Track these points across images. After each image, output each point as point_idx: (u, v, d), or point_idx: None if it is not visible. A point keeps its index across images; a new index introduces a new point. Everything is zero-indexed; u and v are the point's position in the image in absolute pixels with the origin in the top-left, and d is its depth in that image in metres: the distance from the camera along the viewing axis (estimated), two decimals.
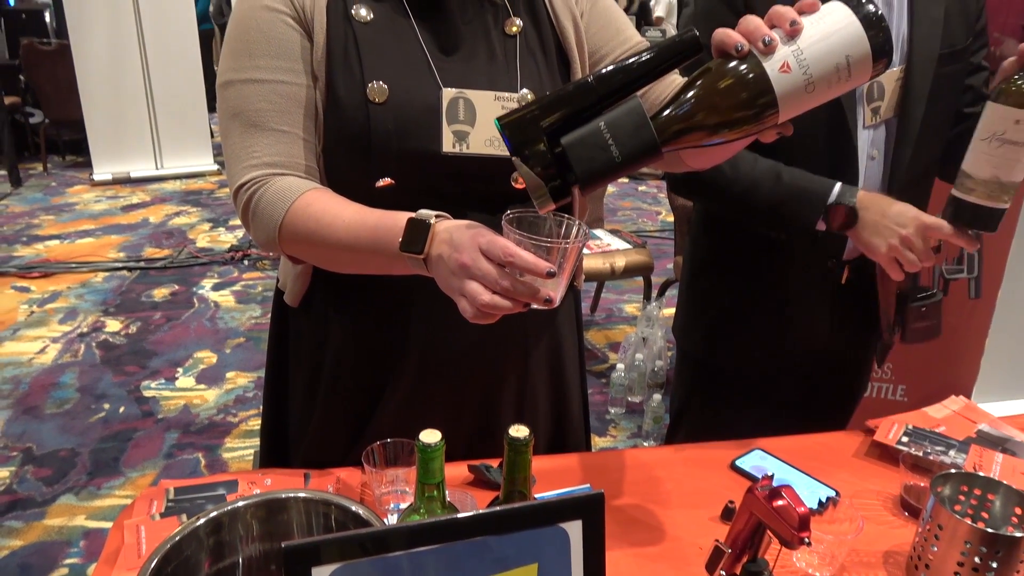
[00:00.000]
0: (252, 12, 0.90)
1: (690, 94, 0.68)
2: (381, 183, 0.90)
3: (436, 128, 0.91)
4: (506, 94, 0.94)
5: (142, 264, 4.18)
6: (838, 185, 1.12)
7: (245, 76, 0.89)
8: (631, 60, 0.69)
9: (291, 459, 1.11)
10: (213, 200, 5.41)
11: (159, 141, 5.83)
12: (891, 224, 1.07)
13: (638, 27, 7.95)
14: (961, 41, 1.19)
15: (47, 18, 6.84)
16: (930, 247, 1.06)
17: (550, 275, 0.69)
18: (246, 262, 4.24)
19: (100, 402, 2.84)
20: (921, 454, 1.07)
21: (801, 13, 0.67)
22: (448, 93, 0.91)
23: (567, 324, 1.13)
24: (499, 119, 0.69)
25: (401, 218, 0.79)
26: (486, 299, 0.70)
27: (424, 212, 0.78)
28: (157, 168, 5.87)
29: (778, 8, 0.67)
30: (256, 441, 2.59)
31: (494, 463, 1.03)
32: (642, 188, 5.94)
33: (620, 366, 2.89)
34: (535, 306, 0.72)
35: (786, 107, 0.67)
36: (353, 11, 0.91)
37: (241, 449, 2.58)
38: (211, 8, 7.06)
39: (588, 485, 1.02)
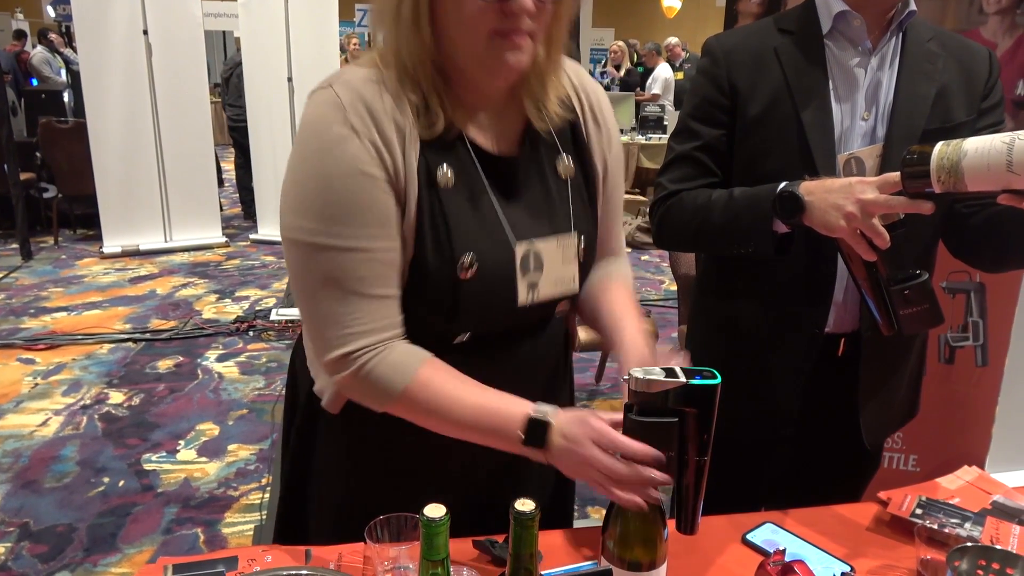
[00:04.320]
0: (349, 176, 0.86)
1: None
2: (459, 340, 0.95)
3: (512, 284, 0.94)
4: (565, 236, 0.98)
5: (147, 335, 4.19)
6: (784, 182, 1.12)
7: (343, 244, 0.87)
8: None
9: (310, 534, 1.10)
10: (220, 272, 5.47)
11: (169, 214, 5.94)
12: (838, 200, 1.04)
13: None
14: (961, 117, 1.20)
15: (65, 98, 7.07)
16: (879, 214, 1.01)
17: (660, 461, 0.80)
18: (251, 333, 4.25)
19: (100, 475, 2.81)
20: (936, 527, 1.05)
21: None
22: (520, 249, 0.94)
23: (564, 392, 1.16)
24: None
25: (518, 409, 0.88)
26: (619, 491, 0.81)
27: (541, 408, 0.88)
28: (166, 240, 5.96)
29: None
30: (257, 516, 2.54)
31: (499, 538, 1.01)
32: (644, 258, 5.98)
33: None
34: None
35: None
36: (438, 175, 0.91)
37: (241, 524, 2.53)
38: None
39: (595, 561, 1.00)
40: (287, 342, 4.12)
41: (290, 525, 1.13)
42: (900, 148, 1.15)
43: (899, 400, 1.37)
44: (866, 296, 1.10)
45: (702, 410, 0.79)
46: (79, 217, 6.37)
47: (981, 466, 1.42)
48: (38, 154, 6.16)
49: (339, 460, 1.08)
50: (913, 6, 1.18)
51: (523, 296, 0.95)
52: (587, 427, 0.84)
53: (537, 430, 0.87)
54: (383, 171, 0.87)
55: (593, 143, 1.04)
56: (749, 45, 1.24)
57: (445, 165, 0.91)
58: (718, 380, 0.80)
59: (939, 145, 0.94)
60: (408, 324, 0.94)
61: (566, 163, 1.00)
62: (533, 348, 1.04)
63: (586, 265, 1.03)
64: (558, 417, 0.87)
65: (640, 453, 0.81)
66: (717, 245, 1.27)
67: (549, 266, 0.96)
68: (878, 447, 1.43)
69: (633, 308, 1.05)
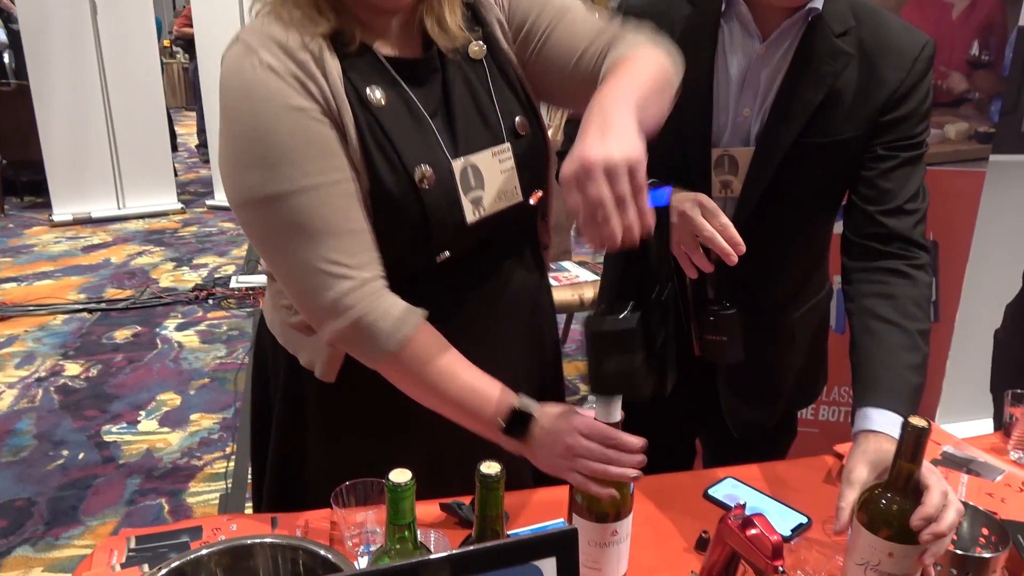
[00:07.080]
0: (278, 116, 0.83)
1: None
2: (441, 258, 0.93)
3: (459, 201, 0.92)
4: (500, 147, 0.96)
5: (103, 305, 4.09)
6: None
7: (294, 186, 0.83)
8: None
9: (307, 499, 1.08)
10: (176, 239, 5.34)
11: (121, 181, 5.75)
12: (675, 203, 1.01)
13: None
14: (846, 131, 1.08)
15: (6, 59, 6.75)
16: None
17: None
18: (211, 301, 4.18)
19: (58, 448, 2.75)
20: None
21: None
22: (458, 165, 0.92)
23: (550, 344, 1.20)
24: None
25: (503, 397, 0.90)
26: (597, 467, 0.83)
27: (525, 401, 0.89)
28: (119, 208, 5.78)
29: None
30: (221, 484, 2.53)
31: (466, 500, 1.02)
32: None
33: (591, 397, 2.89)
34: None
35: None
36: (368, 95, 0.88)
37: (206, 493, 2.51)
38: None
39: (562, 520, 1.01)
40: (248, 310, 4.06)
41: (284, 495, 1.11)
42: (769, 155, 1.09)
43: (776, 390, 1.32)
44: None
45: (658, 231, 0.77)
46: (26, 184, 6.13)
47: (932, 417, 1.47)
48: None
49: (334, 427, 1.06)
50: (817, 3, 1.05)
51: (470, 214, 0.93)
52: (575, 418, 0.87)
53: (519, 421, 0.88)
54: (312, 101, 0.85)
55: (491, 15, 0.99)
56: (653, 12, 1.12)
57: (372, 86, 0.89)
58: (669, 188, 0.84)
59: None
60: (389, 253, 0.91)
61: (479, 46, 0.97)
62: (512, 264, 1.04)
63: (534, 148, 1.00)
64: (542, 411, 0.89)
65: (628, 444, 0.83)
66: None
67: (489, 180, 0.95)
68: (791, 418, 1.43)
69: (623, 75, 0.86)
